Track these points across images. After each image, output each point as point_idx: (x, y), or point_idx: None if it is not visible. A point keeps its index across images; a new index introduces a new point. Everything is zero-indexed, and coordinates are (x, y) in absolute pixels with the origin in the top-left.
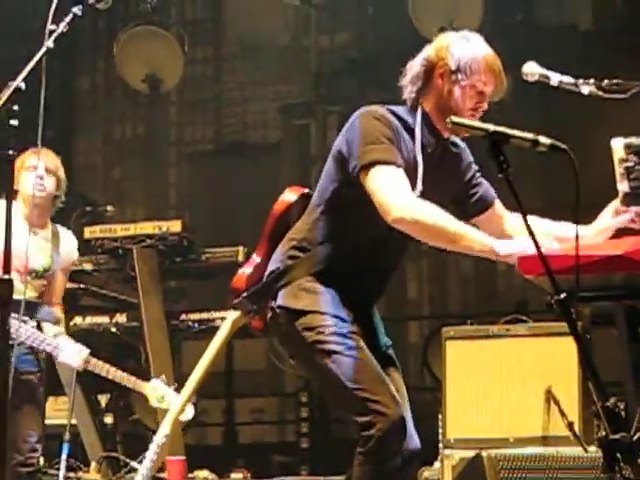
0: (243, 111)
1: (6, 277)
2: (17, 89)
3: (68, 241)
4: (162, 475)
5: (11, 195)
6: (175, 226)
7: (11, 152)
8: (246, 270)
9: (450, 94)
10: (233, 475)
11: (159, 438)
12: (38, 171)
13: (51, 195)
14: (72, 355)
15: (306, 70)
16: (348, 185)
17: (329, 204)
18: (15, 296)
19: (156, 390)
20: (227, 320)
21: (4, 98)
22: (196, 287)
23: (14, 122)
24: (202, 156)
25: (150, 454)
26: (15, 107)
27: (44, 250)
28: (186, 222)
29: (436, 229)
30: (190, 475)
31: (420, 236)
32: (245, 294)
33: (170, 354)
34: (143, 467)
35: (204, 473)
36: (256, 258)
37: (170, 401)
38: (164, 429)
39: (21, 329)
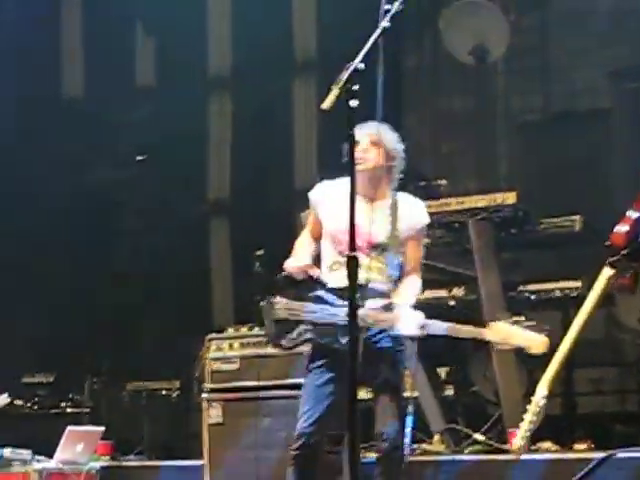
0: (571, 78)
1: (352, 254)
2: (356, 69)
3: (410, 208)
4: (506, 447)
5: (354, 174)
6: (510, 198)
7: (352, 132)
8: (622, 227)
9: None
10: (576, 446)
11: (538, 399)
12: (361, 145)
13: (377, 167)
14: (406, 324)
15: (635, 32)
16: None
17: None
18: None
19: (499, 332)
20: (601, 278)
21: (344, 78)
22: (532, 258)
23: (354, 103)
24: (531, 126)
25: (528, 416)
26: (355, 87)
27: (383, 222)
28: (520, 193)
29: None
30: (533, 447)
31: None
32: (624, 252)
33: None
34: (522, 429)
35: (547, 444)
36: (632, 214)
37: (516, 335)
38: (541, 390)
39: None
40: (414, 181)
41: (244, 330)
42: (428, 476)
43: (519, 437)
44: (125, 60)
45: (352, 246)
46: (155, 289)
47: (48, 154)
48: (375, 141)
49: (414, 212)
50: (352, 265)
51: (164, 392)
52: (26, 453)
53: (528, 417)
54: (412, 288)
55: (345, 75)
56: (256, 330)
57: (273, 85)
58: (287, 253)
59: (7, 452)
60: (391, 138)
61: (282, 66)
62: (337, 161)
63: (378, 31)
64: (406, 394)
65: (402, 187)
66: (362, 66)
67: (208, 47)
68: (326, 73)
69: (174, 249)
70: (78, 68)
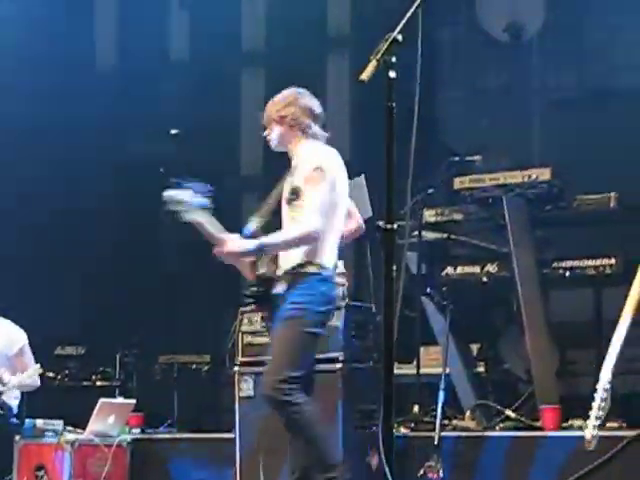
0: (608, 55)
1: (389, 226)
2: (395, 40)
3: (304, 154)
4: (537, 424)
5: (391, 148)
6: (544, 174)
7: (390, 104)
8: None
9: None
10: (609, 424)
11: (603, 383)
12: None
13: (280, 138)
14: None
15: None
16: None
17: None
18: None
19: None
20: None
21: (382, 50)
22: (566, 235)
23: (392, 74)
24: (566, 103)
25: (596, 403)
26: (393, 59)
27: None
28: (554, 170)
29: None
30: (565, 424)
31: None
32: None
33: (541, 303)
34: (592, 417)
35: (579, 422)
36: None
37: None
38: (606, 374)
39: None
40: (447, 156)
41: None
42: (459, 452)
43: (590, 426)
44: (159, 34)
45: (390, 219)
46: (187, 263)
47: (82, 127)
48: (264, 122)
49: (305, 158)
50: (388, 237)
51: (195, 366)
52: (58, 424)
53: (596, 404)
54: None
55: (384, 46)
56: None
57: (306, 60)
58: None
59: (39, 423)
60: (272, 102)
61: (315, 41)
62: (369, 135)
63: (417, 2)
64: (437, 371)
65: (435, 162)
66: (400, 37)
67: (242, 21)
68: (359, 48)
69: None
70: (112, 41)
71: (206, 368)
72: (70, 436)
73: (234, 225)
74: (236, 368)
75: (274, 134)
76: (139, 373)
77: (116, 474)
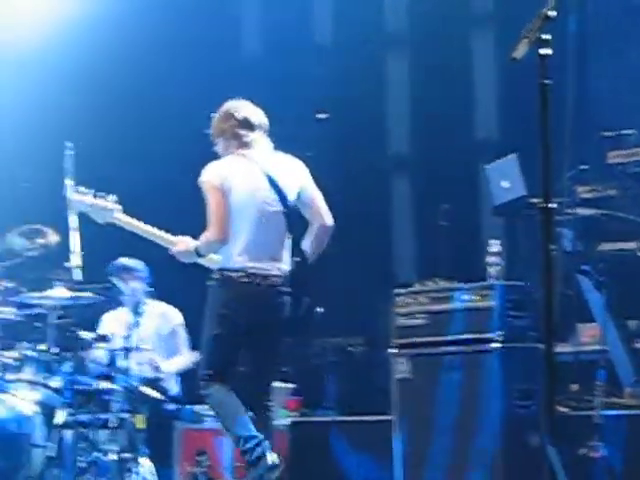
0: None
1: (548, 205)
2: (547, 17)
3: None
4: None
5: (546, 125)
6: None
7: (544, 82)
8: None
9: None
10: None
11: None
12: None
13: (224, 154)
14: None
15: None
16: None
17: None
18: None
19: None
20: None
21: (535, 27)
22: None
23: (544, 51)
24: None
25: None
26: (546, 36)
27: None
28: None
29: None
30: None
31: None
32: None
33: None
34: None
35: None
36: None
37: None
38: None
39: None
40: (599, 132)
41: (430, 285)
42: (619, 430)
43: None
44: (303, 18)
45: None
46: (337, 245)
47: None
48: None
49: None
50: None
51: (349, 347)
52: None
53: None
54: None
55: (537, 23)
56: (442, 284)
57: (450, 40)
58: (469, 205)
59: (197, 407)
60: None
61: (459, 20)
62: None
63: None
64: (597, 347)
65: (587, 137)
66: (554, 14)
67: (384, 4)
68: (504, 25)
69: (356, 205)
70: (257, 25)
71: (360, 350)
72: None
73: (385, 203)
74: (391, 350)
75: (220, 147)
76: (295, 357)
77: None
